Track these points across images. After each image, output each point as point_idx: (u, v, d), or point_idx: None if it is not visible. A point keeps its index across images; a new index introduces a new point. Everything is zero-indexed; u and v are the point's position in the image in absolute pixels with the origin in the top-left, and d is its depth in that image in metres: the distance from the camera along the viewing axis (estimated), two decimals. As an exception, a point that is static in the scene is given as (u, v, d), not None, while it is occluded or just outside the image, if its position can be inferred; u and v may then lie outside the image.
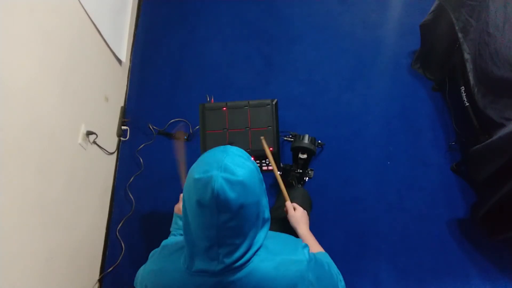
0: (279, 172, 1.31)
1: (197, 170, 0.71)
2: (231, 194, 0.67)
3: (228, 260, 0.72)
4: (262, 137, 1.28)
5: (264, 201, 0.78)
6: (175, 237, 1.07)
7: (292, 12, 2.44)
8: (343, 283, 0.93)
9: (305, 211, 1.20)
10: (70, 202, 1.48)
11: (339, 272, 0.95)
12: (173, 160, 1.98)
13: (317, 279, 0.80)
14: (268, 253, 0.78)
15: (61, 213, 1.40)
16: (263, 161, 1.43)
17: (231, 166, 0.69)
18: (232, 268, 0.73)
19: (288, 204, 1.21)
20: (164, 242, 0.94)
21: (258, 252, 0.76)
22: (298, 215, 1.17)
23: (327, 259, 0.98)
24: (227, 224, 0.69)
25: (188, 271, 0.75)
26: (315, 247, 1.07)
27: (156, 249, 0.91)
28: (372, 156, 1.98)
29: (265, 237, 0.79)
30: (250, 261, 0.74)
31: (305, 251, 0.82)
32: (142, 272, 0.87)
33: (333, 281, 0.88)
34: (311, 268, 0.80)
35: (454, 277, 1.69)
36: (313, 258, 0.83)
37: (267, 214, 0.79)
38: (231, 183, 0.67)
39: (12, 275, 1.11)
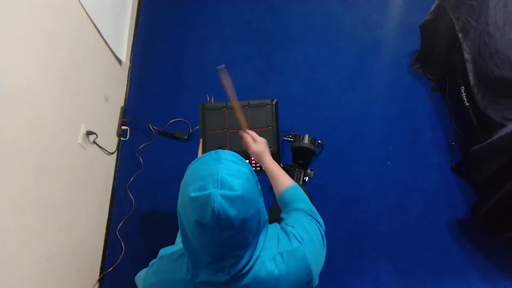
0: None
1: (193, 186, 0.67)
2: (232, 211, 0.64)
3: (233, 271, 0.71)
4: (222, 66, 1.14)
5: (262, 204, 0.77)
6: (172, 247, 1.04)
7: (292, 12, 2.44)
8: (320, 219, 0.92)
9: (264, 140, 1.13)
10: (70, 202, 1.48)
11: (311, 209, 0.93)
12: (173, 160, 1.99)
13: (314, 258, 0.80)
14: (268, 252, 0.77)
15: (61, 213, 1.40)
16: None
17: (227, 179, 0.67)
18: (238, 276, 0.72)
19: (246, 136, 1.12)
20: (161, 252, 0.91)
21: (260, 254, 0.76)
22: (260, 148, 1.10)
23: (299, 198, 0.97)
24: (230, 240, 0.67)
25: (192, 282, 0.74)
26: (286, 180, 1.05)
27: (155, 260, 0.88)
28: (372, 156, 1.98)
29: (265, 239, 0.78)
30: (254, 265, 0.74)
31: (294, 231, 0.82)
32: (143, 283, 0.85)
33: (317, 234, 0.87)
34: (308, 248, 0.80)
35: (454, 277, 1.69)
36: (301, 233, 0.82)
37: (266, 215, 0.78)
38: (230, 199, 0.65)
39: (12, 275, 1.11)
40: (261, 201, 0.76)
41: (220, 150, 0.76)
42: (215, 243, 0.67)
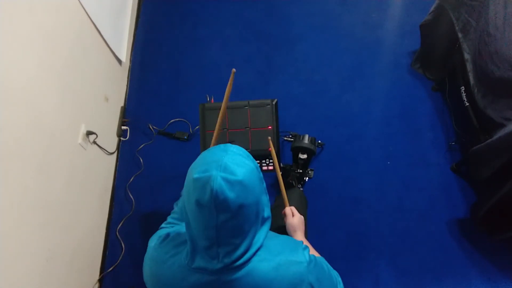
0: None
1: (197, 169, 0.70)
2: (230, 194, 0.66)
3: (227, 260, 0.72)
4: (269, 138, 1.27)
5: (264, 200, 0.78)
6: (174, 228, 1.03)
7: (292, 12, 2.44)
8: (341, 285, 0.93)
9: (302, 217, 1.19)
10: (70, 202, 1.48)
11: (338, 275, 0.95)
12: (173, 160, 1.99)
13: (317, 281, 0.80)
14: (268, 254, 0.77)
15: (61, 213, 1.40)
16: (263, 161, 1.43)
17: (230, 166, 0.69)
18: (231, 268, 0.73)
19: (287, 209, 1.20)
20: (162, 232, 0.92)
21: (258, 252, 0.76)
22: (295, 222, 1.15)
23: (326, 263, 0.98)
24: (226, 224, 0.68)
25: (188, 267, 0.76)
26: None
27: (157, 237, 0.88)
28: (372, 156, 1.98)
29: (266, 237, 0.78)
30: (250, 261, 0.74)
31: (305, 252, 0.82)
32: (146, 255, 0.86)
33: (332, 283, 0.88)
34: (311, 269, 0.80)
35: (454, 277, 1.69)
36: (313, 259, 0.82)
37: (267, 212, 0.79)
38: (230, 183, 0.67)
39: (12, 275, 1.11)
40: (264, 198, 0.77)
41: (229, 144, 0.77)
42: (211, 226, 0.68)
